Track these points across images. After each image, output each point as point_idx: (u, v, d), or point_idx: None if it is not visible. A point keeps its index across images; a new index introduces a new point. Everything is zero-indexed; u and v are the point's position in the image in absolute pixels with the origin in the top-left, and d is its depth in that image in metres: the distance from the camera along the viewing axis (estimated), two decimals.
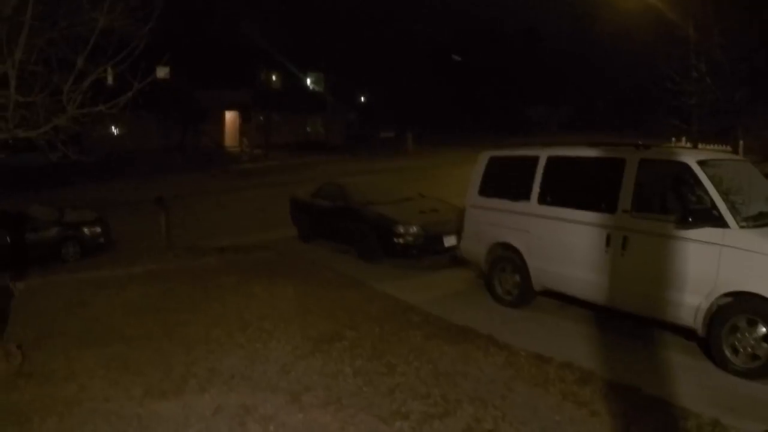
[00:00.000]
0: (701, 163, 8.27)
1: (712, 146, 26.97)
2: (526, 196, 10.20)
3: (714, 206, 7.85)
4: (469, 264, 12.13)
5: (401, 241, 13.41)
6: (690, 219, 7.89)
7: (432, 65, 71.12)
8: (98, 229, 17.12)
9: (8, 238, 15.76)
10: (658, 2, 24.29)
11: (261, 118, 54.00)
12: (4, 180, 28.37)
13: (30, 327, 9.90)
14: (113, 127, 38.80)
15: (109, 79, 9.15)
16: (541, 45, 79.75)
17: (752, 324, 7.48)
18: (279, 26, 50.58)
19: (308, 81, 63.53)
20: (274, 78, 60.62)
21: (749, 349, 7.50)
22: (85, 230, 16.88)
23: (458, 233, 12.05)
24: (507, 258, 10.60)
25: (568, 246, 9.54)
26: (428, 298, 11.16)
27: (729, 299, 7.67)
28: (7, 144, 8.59)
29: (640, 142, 9.59)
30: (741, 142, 27.74)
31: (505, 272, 10.68)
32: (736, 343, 7.60)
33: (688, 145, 26.88)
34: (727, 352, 7.68)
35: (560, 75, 74.26)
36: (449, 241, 13.28)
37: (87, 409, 6.99)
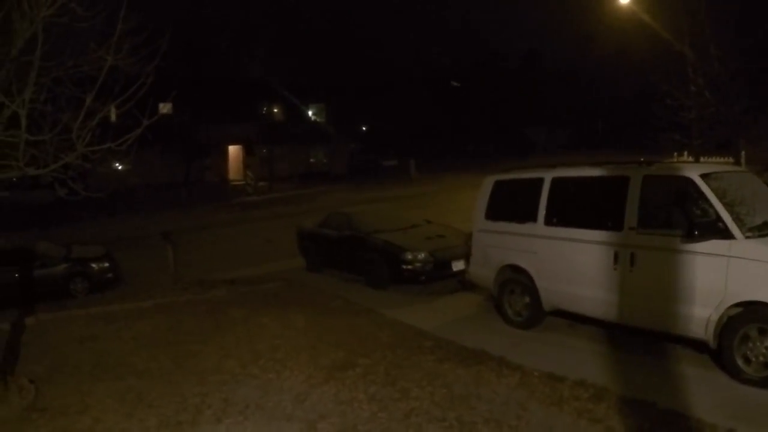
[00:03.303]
0: (704, 177, 8.35)
1: (714, 159, 27.00)
2: (532, 218, 10.25)
3: (719, 218, 7.90)
4: (477, 288, 12.17)
5: (409, 267, 13.45)
6: (696, 232, 7.93)
7: (432, 92, 71.36)
8: (106, 265, 17.12)
9: (17, 275, 15.80)
10: (653, 22, 24.47)
11: (264, 150, 54.15)
12: (12, 217, 28.53)
13: (42, 362, 9.90)
14: (117, 164, 38.92)
15: (112, 117, 9.23)
16: (540, 67, 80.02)
17: (763, 333, 7.52)
18: (279, 60, 50.80)
19: (310, 112, 63.77)
20: (276, 110, 60.86)
21: (761, 358, 7.53)
22: (93, 266, 16.88)
23: (466, 257, 12.08)
24: (516, 280, 10.64)
25: (576, 265, 9.58)
26: (439, 322, 11.19)
27: (739, 309, 7.70)
28: (12, 182, 8.66)
29: (642, 159, 9.65)
30: (743, 153, 27.80)
31: (515, 294, 10.72)
32: (748, 352, 7.63)
33: (690, 159, 26.92)
34: (740, 362, 7.70)
35: (560, 96, 74.50)
36: (457, 265, 13.33)
37: None
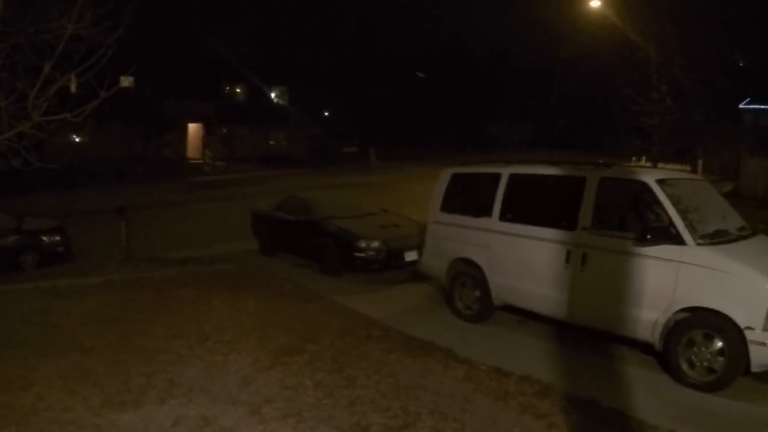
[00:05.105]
0: (660, 182, 8.49)
1: (671, 166, 27.37)
2: (487, 213, 10.31)
3: (672, 224, 8.05)
4: (429, 279, 12.22)
5: (362, 255, 13.48)
6: (648, 236, 8.09)
7: (397, 82, 71.23)
8: (58, 238, 16.87)
9: None
10: (621, 24, 24.71)
11: (224, 130, 53.81)
12: None
13: None
14: (75, 136, 38.46)
15: (73, 87, 9.12)
16: (507, 64, 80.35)
17: (708, 338, 7.70)
18: (244, 40, 50.50)
19: (272, 95, 63.41)
20: (238, 91, 60.50)
21: (705, 363, 7.71)
22: (44, 238, 16.62)
23: (419, 248, 12.14)
24: (468, 273, 10.70)
25: (528, 262, 9.68)
26: (389, 312, 11.23)
27: (686, 314, 7.87)
28: None
29: (600, 161, 9.77)
30: (700, 162, 28.28)
31: (466, 287, 10.79)
32: (693, 357, 7.81)
33: (648, 164, 27.24)
34: (684, 366, 7.87)
35: (523, 94, 74.91)
36: (410, 256, 13.38)
37: (44, 418, 6.91)
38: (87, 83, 8.59)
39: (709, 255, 7.85)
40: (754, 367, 7.46)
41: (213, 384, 7.78)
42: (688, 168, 27.27)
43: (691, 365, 7.83)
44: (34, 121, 8.09)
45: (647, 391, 7.74)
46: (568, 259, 9.04)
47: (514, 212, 10.04)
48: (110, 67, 8.71)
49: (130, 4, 9.17)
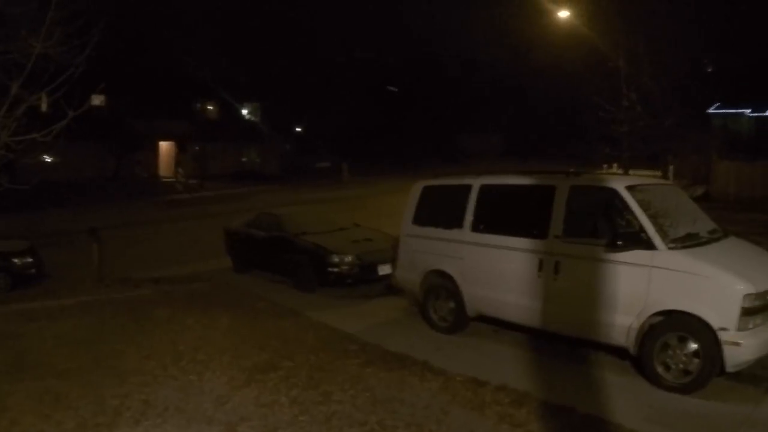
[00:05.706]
0: (630, 189, 8.59)
1: (643, 172, 27.56)
2: (459, 224, 10.33)
3: (642, 229, 8.13)
4: (403, 292, 12.21)
5: (336, 270, 13.48)
6: (620, 242, 8.16)
7: (369, 97, 71.38)
8: (29, 260, 16.70)
9: None
10: (591, 34, 24.90)
11: (197, 148, 53.63)
12: None
13: None
14: (45, 156, 38.15)
15: (43, 107, 9.06)
16: (475, 75, 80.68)
17: (683, 341, 7.75)
18: (215, 56, 50.37)
19: (244, 111, 63.30)
20: (210, 108, 60.35)
21: (681, 365, 7.77)
22: (16, 261, 16.44)
23: (393, 262, 12.14)
24: (441, 285, 10.70)
25: (501, 272, 9.71)
26: (364, 326, 11.20)
27: (660, 318, 7.93)
28: None
29: (570, 170, 9.84)
30: (671, 167, 28.47)
31: (440, 299, 10.78)
32: (668, 360, 7.86)
33: (620, 171, 27.42)
34: (660, 369, 7.92)
35: (494, 104, 75.18)
36: (384, 269, 13.38)
37: None
38: (56, 102, 8.53)
39: (680, 258, 7.92)
40: (729, 368, 7.55)
41: (188, 404, 7.72)
42: (659, 174, 27.50)
43: (667, 368, 7.88)
44: (3, 142, 8.02)
45: (624, 396, 7.77)
46: (540, 268, 9.08)
47: (486, 223, 10.08)
48: (80, 86, 8.67)
49: (98, 22, 9.13)
